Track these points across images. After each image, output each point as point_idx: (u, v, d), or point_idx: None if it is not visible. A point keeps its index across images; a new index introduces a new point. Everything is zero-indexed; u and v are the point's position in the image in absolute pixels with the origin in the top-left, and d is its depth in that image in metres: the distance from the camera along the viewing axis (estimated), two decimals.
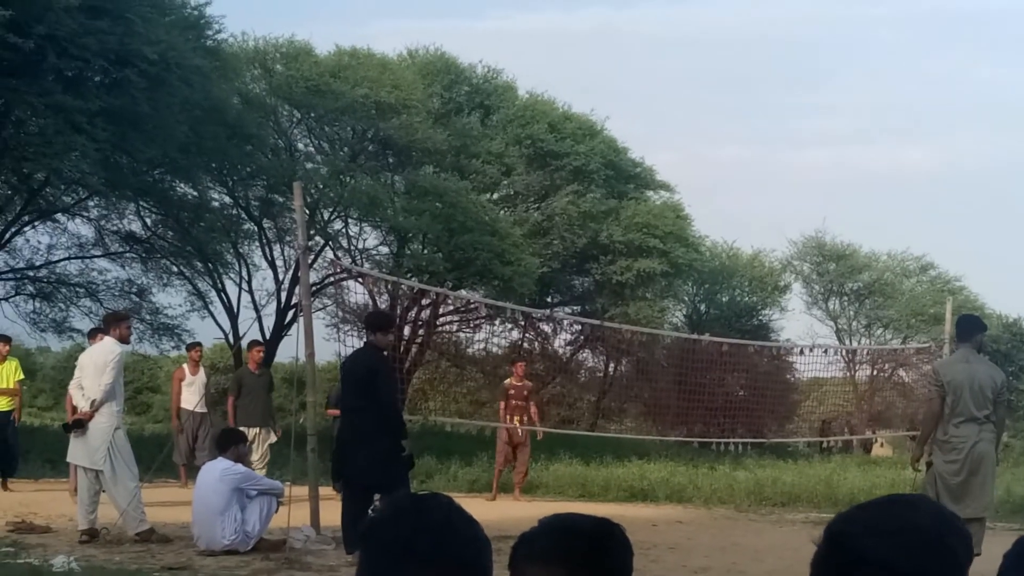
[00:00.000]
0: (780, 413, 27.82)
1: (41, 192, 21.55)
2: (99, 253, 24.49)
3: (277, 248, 25.78)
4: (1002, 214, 70.01)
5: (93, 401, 10.26)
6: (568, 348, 31.56)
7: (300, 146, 25.88)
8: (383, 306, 25.27)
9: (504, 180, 26.61)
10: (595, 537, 2.10)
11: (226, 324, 25.71)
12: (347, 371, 10.05)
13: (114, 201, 22.99)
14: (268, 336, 24.02)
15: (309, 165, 24.80)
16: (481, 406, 30.30)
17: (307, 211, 18.75)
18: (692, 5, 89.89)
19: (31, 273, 23.79)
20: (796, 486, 17.41)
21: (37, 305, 23.92)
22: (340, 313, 28.00)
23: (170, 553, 9.70)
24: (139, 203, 23.52)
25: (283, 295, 25.55)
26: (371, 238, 26.79)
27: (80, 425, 10.32)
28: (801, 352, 24.39)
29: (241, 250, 25.63)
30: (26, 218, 22.51)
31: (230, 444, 10.31)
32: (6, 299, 23.33)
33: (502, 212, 26.58)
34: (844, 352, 31.67)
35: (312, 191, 23.03)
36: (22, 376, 15.57)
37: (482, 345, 29.91)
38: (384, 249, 26.92)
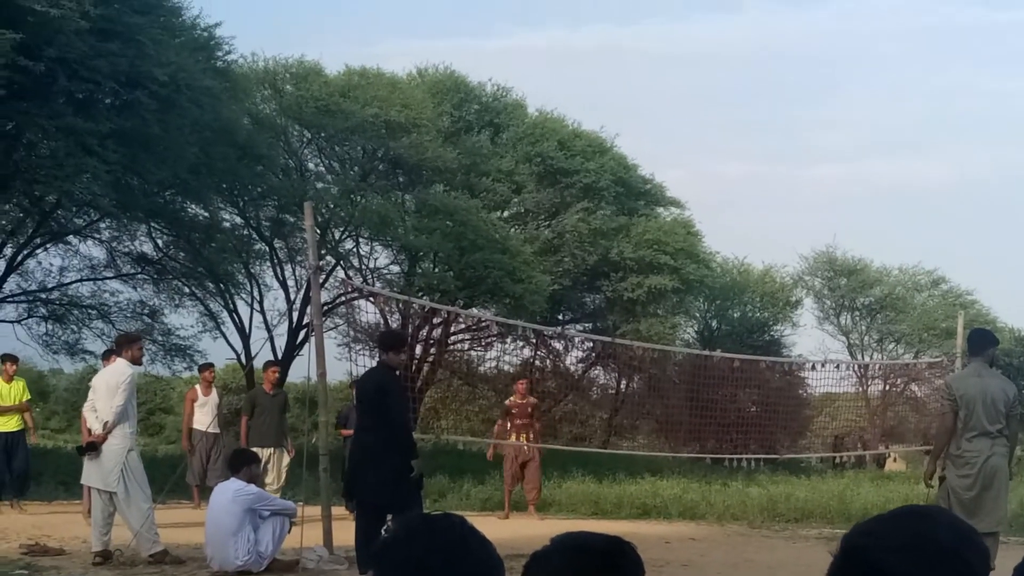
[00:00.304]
0: (793, 429, 27.74)
1: (53, 214, 21.62)
2: (111, 275, 24.52)
3: (288, 268, 25.84)
4: (1014, 227, 69.80)
5: (106, 423, 10.25)
6: (580, 365, 31.48)
7: (311, 166, 25.96)
8: (395, 325, 25.27)
9: (514, 198, 26.63)
10: (607, 555, 2.09)
11: (238, 344, 25.77)
12: (359, 391, 10.08)
13: (125, 223, 23.01)
14: (280, 356, 24.01)
15: (320, 185, 24.82)
16: (493, 424, 30.22)
17: (318, 231, 18.76)
18: (692, 23, 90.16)
19: (43, 295, 23.82)
20: (809, 502, 17.34)
21: (50, 327, 23.94)
22: (352, 333, 28.07)
23: (183, 574, 9.72)
24: (150, 224, 23.58)
25: (295, 315, 25.61)
26: (382, 257, 26.89)
27: (94, 448, 10.29)
28: (813, 367, 24.25)
29: (252, 270, 25.65)
30: (38, 240, 22.57)
31: (243, 464, 10.29)
32: (19, 321, 23.38)
33: (513, 230, 26.56)
34: (856, 367, 31.52)
35: (323, 211, 23.07)
36: (28, 396, 15.62)
37: (494, 363, 29.82)
38: (395, 268, 27.00)
